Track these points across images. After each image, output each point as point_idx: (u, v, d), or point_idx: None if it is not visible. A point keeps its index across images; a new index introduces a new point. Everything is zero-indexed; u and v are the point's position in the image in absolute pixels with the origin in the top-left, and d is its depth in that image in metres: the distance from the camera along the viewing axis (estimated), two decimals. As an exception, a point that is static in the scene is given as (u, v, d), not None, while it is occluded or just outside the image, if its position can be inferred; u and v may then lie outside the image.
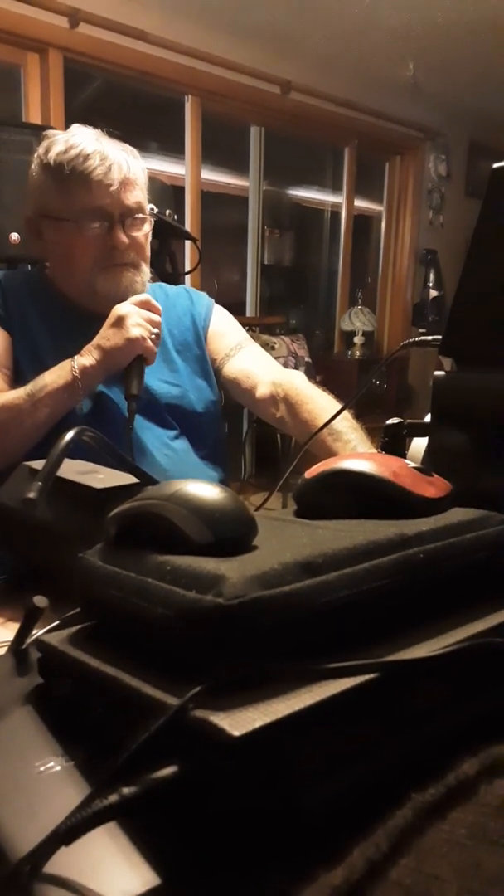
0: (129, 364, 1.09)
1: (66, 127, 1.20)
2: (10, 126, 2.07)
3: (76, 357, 1.07)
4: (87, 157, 1.11)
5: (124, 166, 1.14)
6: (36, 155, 1.17)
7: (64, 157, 1.11)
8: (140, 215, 1.17)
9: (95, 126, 1.18)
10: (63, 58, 3.19)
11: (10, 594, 0.66)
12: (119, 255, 1.15)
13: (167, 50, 3.46)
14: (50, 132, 1.18)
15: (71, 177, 1.11)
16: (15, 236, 1.80)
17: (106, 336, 1.07)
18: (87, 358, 1.07)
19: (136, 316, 1.08)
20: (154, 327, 1.10)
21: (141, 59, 3.41)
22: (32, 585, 0.51)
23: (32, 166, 1.17)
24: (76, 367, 1.06)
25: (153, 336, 1.09)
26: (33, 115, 3.16)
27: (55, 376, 1.06)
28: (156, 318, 1.11)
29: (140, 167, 1.18)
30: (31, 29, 3.05)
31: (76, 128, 1.17)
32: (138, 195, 1.17)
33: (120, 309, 1.09)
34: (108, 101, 3.61)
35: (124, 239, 1.14)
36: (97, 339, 1.08)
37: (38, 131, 2.13)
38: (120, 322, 1.07)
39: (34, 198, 1.18)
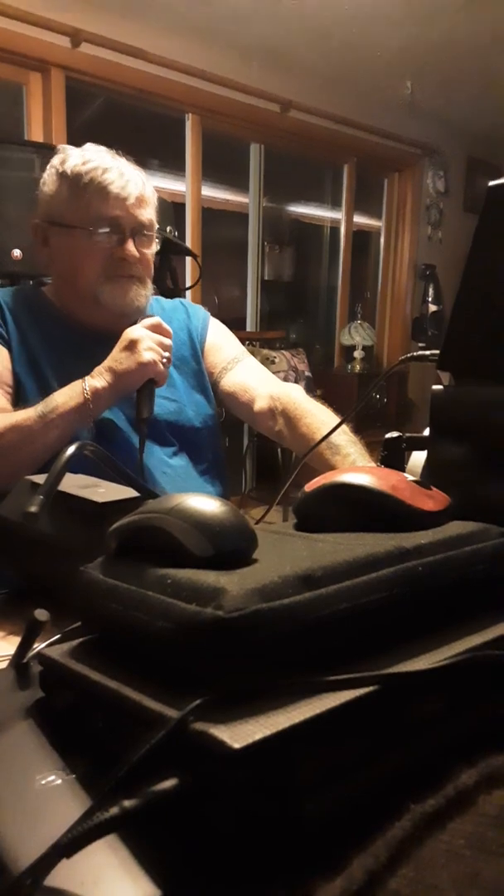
0: (140, 387, 1.09)
1: (68, 144, 1.22)
2: (12, 144, 2.09)
3: (87, 378, 1.07)
4: (105, 170, 1.13)
5: (140, 184, 1.17)
6: (50, 165, 1.19)
7: (82, 168, 1.13)
8: (149, 233, 1.19)
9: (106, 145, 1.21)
10: (65, 77, 3.23)
11: (12, 608, 0.66)
12: (127, 267, 1.16)
13: (168, 69, 3.50)
14: (64, 146, 1.20)
15: (88, 186, 1.13)
16: (17, 252, 1.81)
17: (118, 359, 1.07)
18: (98, 380, 1.06)
19: (148, 340, 1.08)
20: (165, 351, 1.10)
21: (142, 78, 3.44)
22: (33, 599, 0.51)
23: (45, 176, 1.19)
24: (87, 388, 1.05)
25: (164, 360, 1.10)
26: (35, 134, 3.19)
27: (66, 397, 1.05)
28: (167, 341, 1.12)
29: (152, 189, 1.21)
30: (33, 48, 3.08)
31: (90, 145, 1.19)
32: (150, 213, 1.19)
33: (132, 332, 1.09)
34: (110, 120, 3.64)
35: (134, 252, 1.16)
36: (109, 362, 1.08)
37: (40, 149, 2.15)
38: (132, 346, 1.07)
39: (44, 206, 1.19)
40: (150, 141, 3.86)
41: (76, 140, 1.23)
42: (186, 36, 3.47)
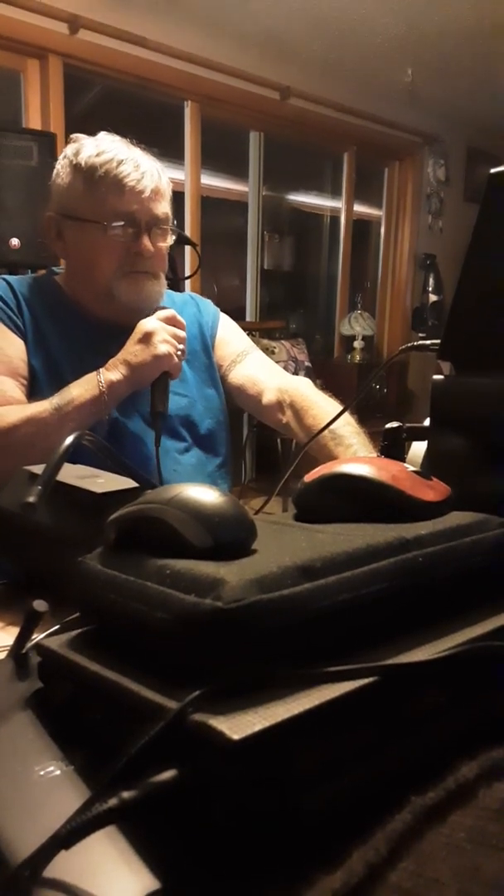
0: (154, 380, 1.08)
1: (67, 133, 1.20)
2: (10, 132, 2.08)
3: (102, 371, 1.06)
4: (120, 163, 1.10)
5: (156, 176, 1.14)
6: (63, 156, 1.16)
7: (96, 160, 1.11)
8: (165, 226, 1.17)
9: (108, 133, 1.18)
10: (63, 64, 3.20)
11: (10, 599, 0.66)
12: (142, 263, 1.15)
13: (167, 56, 3.47)
14: (77, 136, 1.18)
15: (103, 180, 1.10)
16: (15, 242, 1.80)
17: (133, 352, 1.06)
18: (113, 373, 1.06)
19: (163, 332, 1.07)
20: (179, 343, 1.09)
21: (140, 65, 3.42)
22: (32, 590, 0.51)
23: (58, 167, 1.17)
24: (103, 381, 1.05)
25: (179, 352, 1.09)
26: (33, 121, 3.17)
27: (82, 390, 1.04)
28: (181, 333, 1.11)
29: (168, 181, 1.18)
30: (31, 35, 3.05)
31: (104, 135, 1.17)
32: (166, 206, 1.17)
33: (146, 325, 1.08)
34: (108, 107, 3.62)
35: (150, 246, 1.14)
36: (123, 355, 1.07)
37: (38, 137, 2.14)
38: (147, 338, 1.06)
39: (58, 198, 1.17)
40: (149, 129, 3.83)
41: (74, 128, 1.20)
42: (185, 23, 3.45)
